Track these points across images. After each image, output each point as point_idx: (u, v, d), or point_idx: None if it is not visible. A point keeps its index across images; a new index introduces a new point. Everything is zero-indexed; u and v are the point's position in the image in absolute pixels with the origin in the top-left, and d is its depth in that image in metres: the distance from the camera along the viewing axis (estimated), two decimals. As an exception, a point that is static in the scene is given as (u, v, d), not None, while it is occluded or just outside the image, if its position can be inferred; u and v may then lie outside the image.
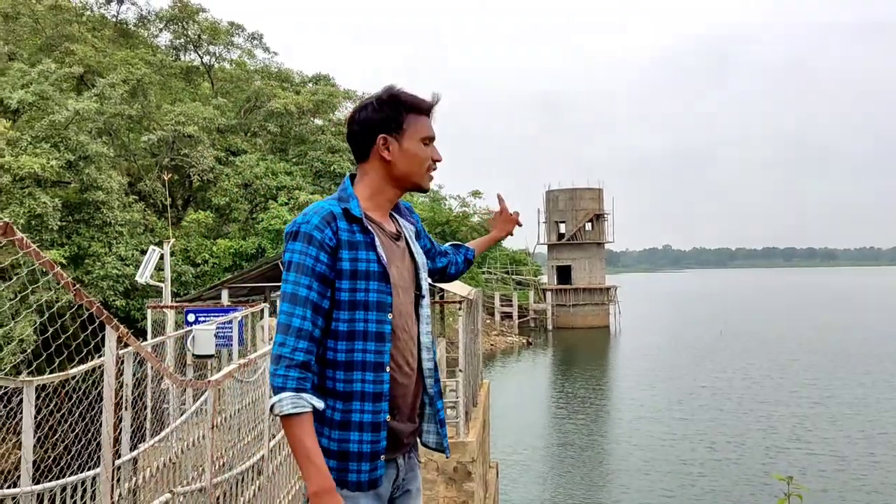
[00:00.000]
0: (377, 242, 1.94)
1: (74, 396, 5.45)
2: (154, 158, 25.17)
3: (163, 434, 7.11)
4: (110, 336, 3.64)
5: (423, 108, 2.03)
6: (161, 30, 31.85)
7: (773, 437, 20.60)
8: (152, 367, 9.41)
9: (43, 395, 5.26)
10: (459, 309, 11.19)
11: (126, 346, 4.06)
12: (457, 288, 13.79)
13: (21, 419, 5.16)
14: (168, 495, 4.68)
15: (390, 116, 1.99)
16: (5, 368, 16.49)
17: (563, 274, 56.99)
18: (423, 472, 11.29)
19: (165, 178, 19.19)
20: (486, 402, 13.95)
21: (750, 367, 33.48)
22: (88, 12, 30.53)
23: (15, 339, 17.12)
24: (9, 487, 5.11)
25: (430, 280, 2.33)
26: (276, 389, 1.83)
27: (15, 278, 4.14)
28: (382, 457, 1.91)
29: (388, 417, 1.91)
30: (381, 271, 1.92)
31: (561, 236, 57.81)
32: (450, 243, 2.53)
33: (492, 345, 43.88)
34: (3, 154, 19.04)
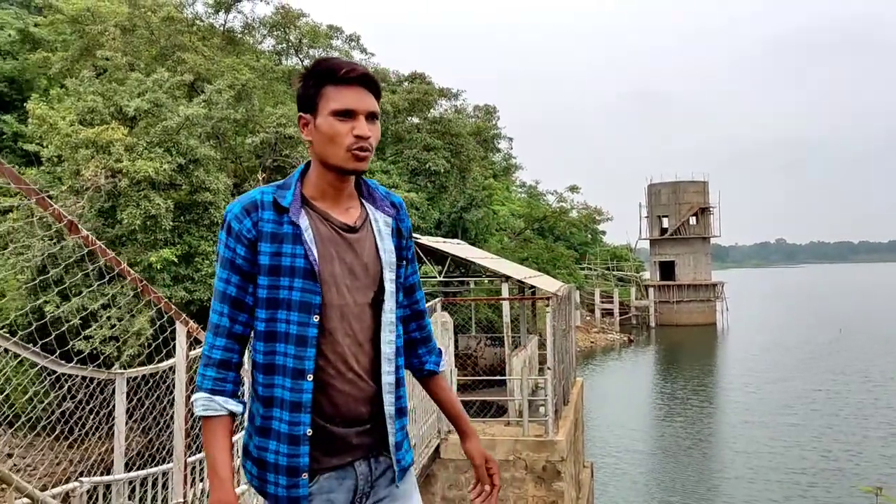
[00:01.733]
0: (307, 236, 1.72)
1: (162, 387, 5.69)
2: (258, 160, 26.20)
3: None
4: (180, 331, 3.76)
5: (337, 77, 1.74)
6: (265, 36, 33.15)
7: (896, 446, 19.12)
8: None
9: (136, 385, 5.52)
10: (547, 306, 10.99)
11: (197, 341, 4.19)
12: (547, 284, 13.57)
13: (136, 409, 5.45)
14: (244, 486, 4.84)
15: (306, 93, 1.78)
16: (126, 360, 17.67)
17: (667, 270, 55.18)
18: (512, 470, 11.19)
19: (260, 179, 19.93)
20: (578, 401, 13.67)
21: (872, 368, 31.19)
22: (199, 22, 32.14)
23: (133, 333, 18.30)
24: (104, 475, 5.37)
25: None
26: (195, 388, 1.77)
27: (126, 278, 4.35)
28: (304, 475, 1.71)
29: (308, 431, 1.71)
30: (306, 267, 1.70)
31: (664, 231, 55.98)
32: (421, 329, 2.02)
33: (592, 342, 43.09)
34: (121, 159, 20.30)
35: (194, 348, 4.42)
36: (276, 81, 30.75)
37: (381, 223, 1.85)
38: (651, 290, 54.12)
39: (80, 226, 3.00)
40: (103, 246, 3.11)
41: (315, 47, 32.66)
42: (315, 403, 1.72)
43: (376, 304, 1.80)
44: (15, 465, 14.47)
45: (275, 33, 32.77)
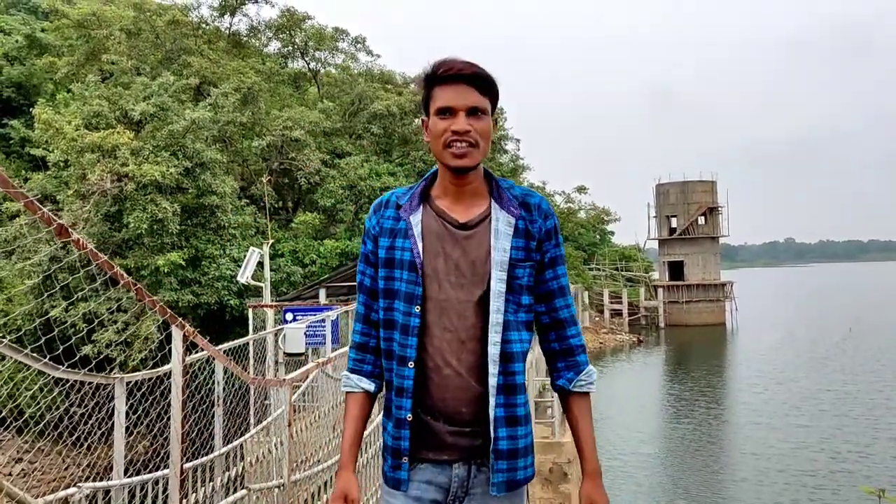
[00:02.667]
0: (415, 231, 1.82)
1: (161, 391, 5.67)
2: (265, 163, 26.24)
3: (253, 432, 7.35)
4: (176, 335, 3.72)
5: (439, 77, 1.80)
6: (270, 39, 33.18)
7: (908, 447, 18.89)
8: (253, 365, 9.76)
9: (134, 389, 5.50)
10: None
11: (194, 346, 4.15)
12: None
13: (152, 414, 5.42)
14: (244, 491, 4.80)
15: (423, 96, 1.87)
16: (133, 364, 17.70)
17: (675, 270, 54.98)
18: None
19: (264, 181, 19.95)
20: (585, 403, 13.60)
21: (882, 368, 30.87)
22: (204, 25, 32.20)
23: (137, 337, 18.33)
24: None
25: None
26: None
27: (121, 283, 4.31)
28: (405, 458, 1.79)
29: (409, 416, 1.78)
30: (411, 260, 1.81)
31: (672, 231, 55.80)
32: (564, 338, 1.92)
33: (601, 343, 42.92)
34: (127, 163, 20.31)
35: (191, 353, 4.38)
36: (282, 84, 30.80)
37: (502, 222, 1.83)
38: (660, 291, 53.92)
39: (70, 229, 2.97)
40: (94, 249, 3.09)
41: (321, 50, 32.67)
42: (417, 393, 1.80)
43: (484, 304, 1.79)
44: (24, 469, 14.51)
45: (280, 36, 32.79)
